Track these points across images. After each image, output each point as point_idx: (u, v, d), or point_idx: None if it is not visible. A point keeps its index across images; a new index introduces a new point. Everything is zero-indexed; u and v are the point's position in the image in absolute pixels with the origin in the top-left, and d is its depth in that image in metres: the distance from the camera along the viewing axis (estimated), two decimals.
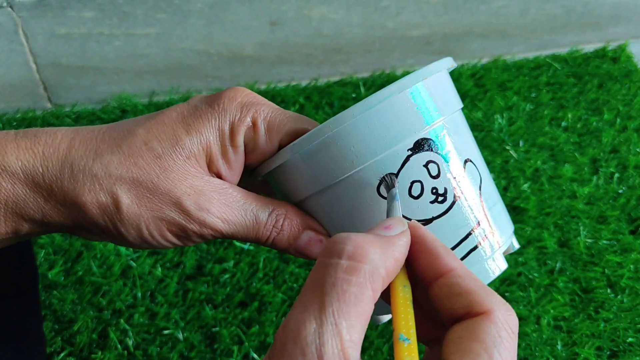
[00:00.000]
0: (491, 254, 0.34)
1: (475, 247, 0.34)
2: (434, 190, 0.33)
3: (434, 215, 0.33)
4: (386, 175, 0.32)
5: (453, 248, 0.33)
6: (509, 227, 0.37)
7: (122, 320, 0.64)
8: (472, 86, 0.89)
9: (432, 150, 0.33)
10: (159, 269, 0.68)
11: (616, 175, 0.79)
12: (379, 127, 0.32)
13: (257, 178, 0.37)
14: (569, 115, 0.86)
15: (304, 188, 0.34)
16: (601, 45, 0.97)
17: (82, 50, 0.82)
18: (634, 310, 0.67)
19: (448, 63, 0.35)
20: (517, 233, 0.73)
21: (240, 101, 0.34)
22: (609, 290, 0.69)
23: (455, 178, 0.33)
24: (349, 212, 0.34)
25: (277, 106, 0.35)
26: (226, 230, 0.34)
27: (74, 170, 0.32)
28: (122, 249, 0.69)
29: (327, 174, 0.33)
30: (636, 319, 0.66)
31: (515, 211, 0.75)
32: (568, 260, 0.71)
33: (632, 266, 0.70)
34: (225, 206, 0.33)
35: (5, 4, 0.75)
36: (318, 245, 0.35)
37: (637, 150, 0.82)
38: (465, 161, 0.34)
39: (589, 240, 0.73)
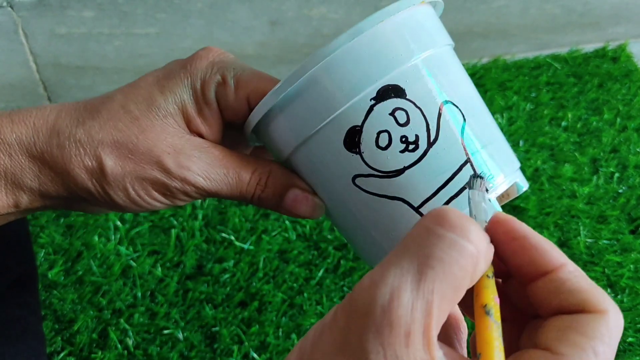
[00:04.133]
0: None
1: (457, 194, 0.32)
2: (404, 139, 0.32)
3: (406, 165, 0.32)
4: (472, 175, 0.31)
5: (432, 196, 0.32)
6: (507, 167, 0.34)
7: (122, 320, 0.64)
8: None
9: (399, 96, 0.31)
10: (159, 269, 0.68)
11: (616, 175, 0.79)
12: (336, 79, 0.31)
13: (249, 143, 0.37)
14: (569, 115, 0.86)
15: (284, 144, 0.34)
16: (601, 45, 0.97)
17: (82, 50, 0.82)
18: (634, 310, 0.67)
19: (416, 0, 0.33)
20: None
21: (212, 60, 0.35)
22: (609, 290, 0.69)
23: (428, 123, 0.32)
24: (322, 168, 0.33)
25: (248, 66, 0.36)
26: (209, 187, 0.35)
27: (61, 138, 0.33)
28: (122, 249, 0.69)
29: (300, 127, 0.33)
30: (636, 318, 0.66)
31: (515, 211, 0.75)
32: None
33: (632, 266, 0.70)
34: (206, 164, 0.34)
35: (5, 4, 0.75)
36: (304, 203, 0.35)
37: (637, 150, 0.82)
38: (444, 103, 0.32)
39: (589, 240, 0.73)
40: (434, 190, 0.32)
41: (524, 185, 0.35)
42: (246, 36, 0.85)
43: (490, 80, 0.90)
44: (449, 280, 0.23)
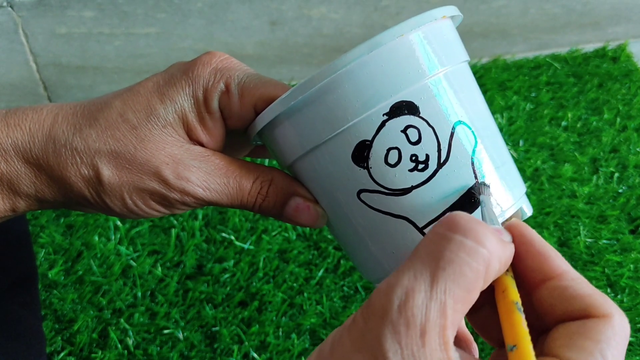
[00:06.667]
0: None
1: None
2: (414, 158, 0.31)
3: (414, 185, 0.31)
4: (477, 182, 0.31)
5: (438, 218, 0.31)
6: (515, 193, 0.33)
7: (122, 320, 0.64)
8: None
9: (412, 114, 0.31)
10: (159, 269, 0.68)
11: (616, 174, 0.79)
12: (350, 91, 0.30)
13: (251, 143, 0.36)
14: (569, 115, 0.86)
15: (289, 151, 0.33)
16: (601, 45, 0.97)
17: (82, 50, 0.82)
18: (634, 310, 0.67)
19: (438, 13, 0.32)
20: None
21: (215, 67, 0.34)
22: (608, 290, 0.69)
23: (440, 143, 0.31)
24: (327, 179, 0.33)
25: (253, 71, 0.35)
26: (208, 198, 0.34)
27: (57, 145, 0.33)
28: (122, 249, 0.69)
29: (307, 136, 0.32)
30: (636, 318, 0.66)
31: None
32: (568, 260, 0.71)
33: (632, 266, 0.70)
34: (206, 174, 0.33)
35: (5, 4, 0.75)
36: (306, 212, 0.35)
37: (637, 149, 0.82)
38: (457, 123, 0.31)
39: (589, 240, 0.73)
40: (440, 212, 0.31)
41: (528, 212, 0.35)
42: (246, 36, 0.85)
43: (490, 80, 0.90)
44: (460, 281, 0.23)
